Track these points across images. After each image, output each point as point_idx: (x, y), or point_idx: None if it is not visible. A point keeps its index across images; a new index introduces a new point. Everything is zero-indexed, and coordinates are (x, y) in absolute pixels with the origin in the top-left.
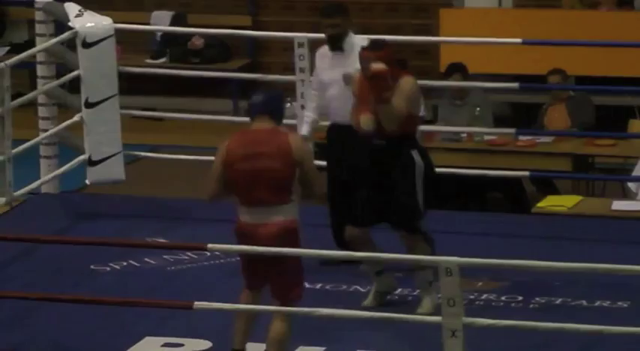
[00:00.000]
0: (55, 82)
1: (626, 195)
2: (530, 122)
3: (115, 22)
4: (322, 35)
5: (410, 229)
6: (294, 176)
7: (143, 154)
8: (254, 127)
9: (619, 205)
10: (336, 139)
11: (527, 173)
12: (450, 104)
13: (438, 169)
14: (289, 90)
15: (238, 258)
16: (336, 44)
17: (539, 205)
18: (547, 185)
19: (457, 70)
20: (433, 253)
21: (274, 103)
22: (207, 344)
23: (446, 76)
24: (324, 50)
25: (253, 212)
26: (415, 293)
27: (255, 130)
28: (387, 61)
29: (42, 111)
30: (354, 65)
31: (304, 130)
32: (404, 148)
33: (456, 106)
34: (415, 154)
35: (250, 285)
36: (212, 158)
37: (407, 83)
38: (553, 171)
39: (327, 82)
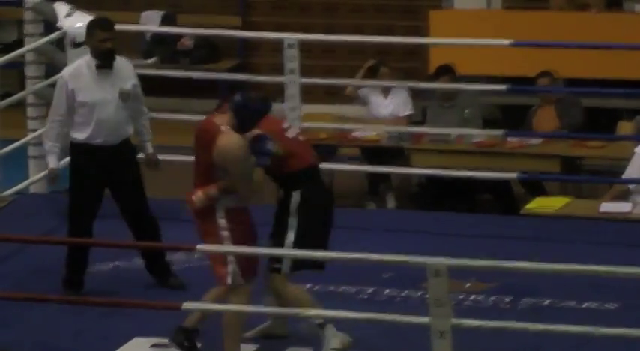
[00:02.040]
0: (45, 82)
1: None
2: (519, 124)
3: None
4: (313, 36)
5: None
6: (213, 172)
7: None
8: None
9: (607, 207)
10: (106, 160)
11: (515, 175)
12: (438, 106)
13: (427, 171)
14: (278, 91)
15: None
16: (112, 60)
17: (528, 206)
18: (535, 187)
19: (446, 71)
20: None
21: (242, 109)
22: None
23: (435, 77)
24: (81, 69)
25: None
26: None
27: (209, 121)
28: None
29: (31, 111)
30: (126, 81)
31: (53, 162)
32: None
33: (444, 108)
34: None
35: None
36: None
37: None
38: (542, 173)
39: (96, 102)
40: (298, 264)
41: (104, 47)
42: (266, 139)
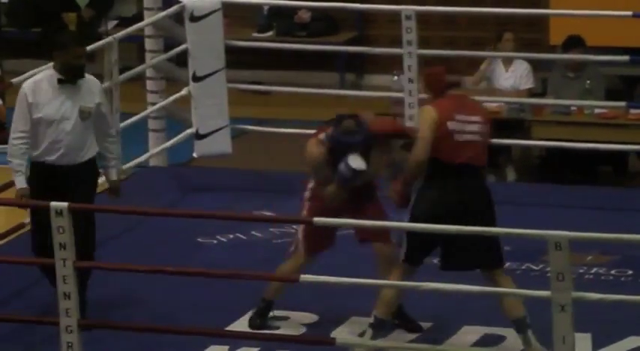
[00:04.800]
0: (163, 56)
1: None
2: None
3: None
4: (431, 7)
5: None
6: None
7: (250, 127)
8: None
9: None
10: (58, 181)
11: (638, 147)
12: (561, 77)
13: (548, 143)
14: (396, 63)
15: (344, 232)
16: (81, 76)
17: None
18: None
19: (576, 43)
20: None
21: (331, 139)
22: (314, 318)
23: (564, 49)
24: (41, 84)
25: None
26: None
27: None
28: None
29: (150, 85)
30: (89, 99)
31: (20, 182)
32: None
33: (567, 79)
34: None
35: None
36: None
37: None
38: None
39: (53, 118)
40: (409, 253)
41: (78, 63)
42: (348, 161)
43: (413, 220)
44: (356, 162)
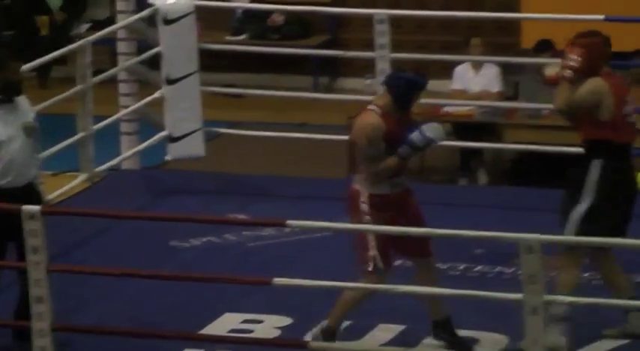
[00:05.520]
0: (136, 59)
1: None
2: None
3: None
4: (403, 11)
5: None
6: (356, 151)
7: (223, 130)
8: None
9: None
10: (18, 200)
11: None
12: (533, 80)
13: (519, 146)
14: (369, 67)
15: (318, 234)
16: (20, 93)
17: None
18: None
19: (547, 47)
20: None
21: (395, 81)
22: (288, 321)
23: (535, 52)
24: None
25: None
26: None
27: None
28: (588, 54)
29: (123, 87)
30: (27, 115)
31: None
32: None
33: (538, 83)
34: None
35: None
36: (291, 134)
37: (587, 84)
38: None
39: (5, 138)
40: (587, 231)
41: (17, 78)
42: (414, 129)
43: (597, 201)
44: (434, 131)
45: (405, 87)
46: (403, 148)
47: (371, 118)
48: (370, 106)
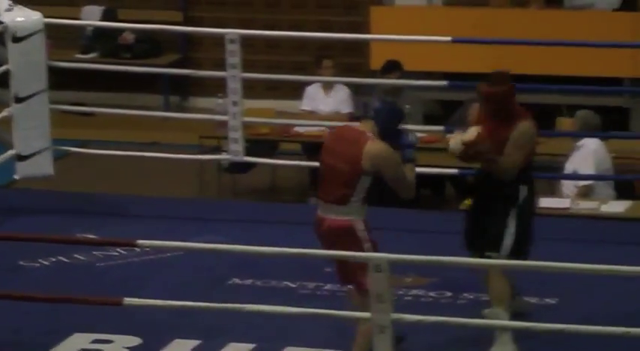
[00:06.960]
0: None
1: (555, 193)
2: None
3: (45, 16)
4: (254, 32)
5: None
6: (358, 181)
7: (73, 149)
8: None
9: (546, 202)
10: None
11: (456, 171)
12: (380, 101)
13: None
14: (220, 86)
15: (168, 254)
16: None
17: (468, 202)
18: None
19: (395, 68)
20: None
21: (386, 115)
22: (137, 341)
23: (383, 74)
24: None
25: (321, 205)
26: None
27: (350, 128)
28: (502, 100)
29: None
30: None
31: None
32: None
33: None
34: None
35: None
36: (142, 153)
37: (520, 130)
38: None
39: None
40: (515, 251)
41: None
42: (403, 132)
43: (525, 220)
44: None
45: (393, 120)
46: (408, 151)
47: (382, 144)
48: (368, 134)
